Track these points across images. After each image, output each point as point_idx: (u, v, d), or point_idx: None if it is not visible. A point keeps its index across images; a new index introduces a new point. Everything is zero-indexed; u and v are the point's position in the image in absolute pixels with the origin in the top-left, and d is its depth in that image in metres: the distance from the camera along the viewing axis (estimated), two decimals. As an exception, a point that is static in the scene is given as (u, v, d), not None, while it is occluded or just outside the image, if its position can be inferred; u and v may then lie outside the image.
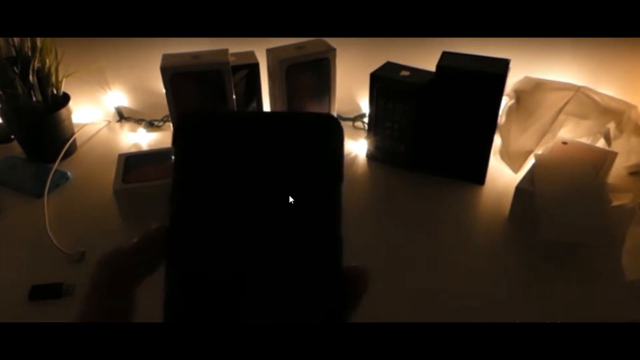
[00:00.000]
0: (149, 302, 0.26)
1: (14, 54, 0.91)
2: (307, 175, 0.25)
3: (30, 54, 0.91)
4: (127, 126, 1.12)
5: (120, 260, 0.27)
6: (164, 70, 0.84)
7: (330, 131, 0.26)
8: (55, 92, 0.97)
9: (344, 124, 1.08)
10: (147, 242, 0.27)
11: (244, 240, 0.25)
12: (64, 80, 0.98)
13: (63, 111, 0.97)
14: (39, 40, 0.91)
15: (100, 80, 1.09)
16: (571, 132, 0.91)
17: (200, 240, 0.25)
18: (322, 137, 0.25)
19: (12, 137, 1.04)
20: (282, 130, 0.25)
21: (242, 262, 0.24)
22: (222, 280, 0.24)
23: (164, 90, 0.87)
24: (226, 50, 0.89)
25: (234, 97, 0.90)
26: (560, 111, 0.86)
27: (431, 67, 0.83)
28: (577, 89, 0.87)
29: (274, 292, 0.24)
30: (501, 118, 0.91)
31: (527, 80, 0.92)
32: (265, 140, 0.25)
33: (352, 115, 1.09)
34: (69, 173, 0.94)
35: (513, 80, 0.91)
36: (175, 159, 0.25)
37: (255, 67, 0.94)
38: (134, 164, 0.86)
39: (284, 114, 0.25)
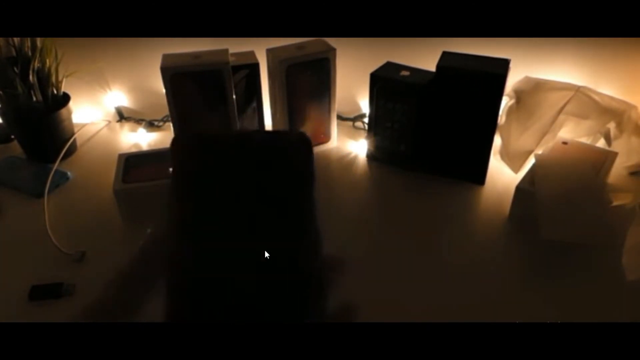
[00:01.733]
0: (150, 303, 0.26)
1: (14, 54, 0.91)
2: (283, 184, 0.29)
3: (30, 54, 0.91)
4: (127, 126, 1.12)
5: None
6: (164, 70, 0.84)
7: (298, 147, 0.30)
8: (55, 92, 0.97)
9: (344, 124, 1.08)
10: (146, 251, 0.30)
11: (233, 241, 0.28)
12: (64, 80, 0.98)
13: (63, 111, 0.97)
14: (39, 40, 0.91)
15: (100, 80, 1.09)
16: (571, 132, 0.91)
17: (196, 243, 0.28)
18: (292, 152, 0.30)
19: (12, 137, 1.04)
20: (260, 148, 0.30)
21: (233, 262, 0.27)
22: (216, 279, 0.27)
23: (164, 90, 0.87)
24: (226, 50, 0.89)
25: (234, 97, 0.90)
26: (560, 111, 0.86)
27: (431, 67, 0.83)
28: (577, 89, 0.87)
29: (262, 284, 0.27)
30: (501, 118, 0.91)
31: (527, 80, 0.92)
32: (247, 157, 0.29)
33: (352, 115, 1.09)
34: (69, 173, 0.94)
35: (513, 80, 0.91)
36: (172, 173, 0.29)
37: (255, 67, 0.94)
38: (134, 164, 0.86)
39: (261, 133, 0.31)
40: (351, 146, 1.02)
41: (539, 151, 0.87)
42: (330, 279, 0.29)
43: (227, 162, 0.29)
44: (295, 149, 0.30)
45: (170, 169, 0.29)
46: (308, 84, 0.94)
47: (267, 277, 0.27)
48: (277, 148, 0.29)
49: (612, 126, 0.88)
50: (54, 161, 0.94)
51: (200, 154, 0.29)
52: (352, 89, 1.06)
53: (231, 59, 0.88)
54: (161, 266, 0.28)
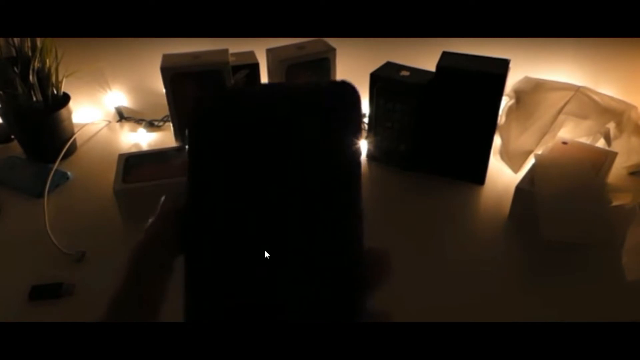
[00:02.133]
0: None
1: (14, 54, 0.91)
2: (326, 150, 0.24)
3: (30, 54, 0.91)
4: (127, 126, 1.12)
5: (152, 245, 0.27)
6: (164, 70, 0.84)
7: (347, 99, 0.24)
8: (55, 92, 0.97)
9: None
10: (165, 217, 0.27)
11: (266, 221, 0.24)
12: (64, 80, 0.98)
13: (63, 111, 0.97)
14: (39, 40, 0.91)
15: (100, 80, 1.09)
16: (571, 132, 0.91)
17: (221, 226, 0.24)
18: (339, 105, 0.24)
19: (12, 137, 1.04)
20: (297, 102, 0.24)
21: (265, 245, 0.24)
22: (245, 267, 0.24)
23: (164, 90, 0.87)
24: (226, 50, 0.89)
25: (234, 97, 0.90)
26: (560, 111, 0.86)
27: (431, 67, 0.83)
28: (577, 89, 0.87)
29: (298, 273, 0.24)
30: (501, 118, 0.91)
31: (527, 80, 0.92)
32: (281, 115, 0.24)
33: (352, 115, 1.08)
34: (69, 173, 0.94)
35: (513, 80, 0.91)
36: (189, 144, 0.24)
37: (255, 67, 0.94)
38: (134, 164, 0.85)
39: (296, 85, 0.24)
40: (351, 146, 1.02)
41: (539, 151, 0.87)
42: (376, 276, 0.26)
43: (256, 122, 0.24)
44: (343, 101, 0.24)
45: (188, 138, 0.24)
46: (308, 84, 0.94)
47: (301, 270, 0.23)
48: (313, 104, 0.24)
49: (612, 126, 0.88)
50: (54, 161, 0.94)
51: (221, 120, 0.24)
52: (352, 89, 1.06)
53: (231, 59, 0.88)
54: (178, 256, 0.25)
